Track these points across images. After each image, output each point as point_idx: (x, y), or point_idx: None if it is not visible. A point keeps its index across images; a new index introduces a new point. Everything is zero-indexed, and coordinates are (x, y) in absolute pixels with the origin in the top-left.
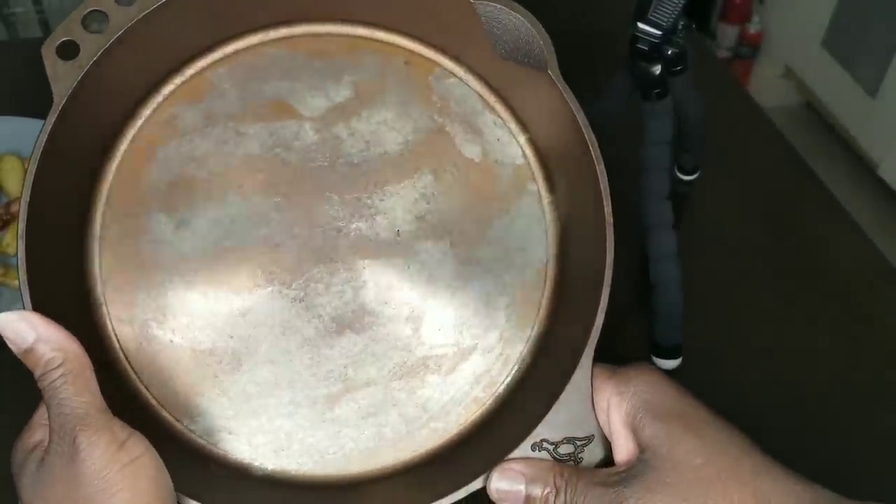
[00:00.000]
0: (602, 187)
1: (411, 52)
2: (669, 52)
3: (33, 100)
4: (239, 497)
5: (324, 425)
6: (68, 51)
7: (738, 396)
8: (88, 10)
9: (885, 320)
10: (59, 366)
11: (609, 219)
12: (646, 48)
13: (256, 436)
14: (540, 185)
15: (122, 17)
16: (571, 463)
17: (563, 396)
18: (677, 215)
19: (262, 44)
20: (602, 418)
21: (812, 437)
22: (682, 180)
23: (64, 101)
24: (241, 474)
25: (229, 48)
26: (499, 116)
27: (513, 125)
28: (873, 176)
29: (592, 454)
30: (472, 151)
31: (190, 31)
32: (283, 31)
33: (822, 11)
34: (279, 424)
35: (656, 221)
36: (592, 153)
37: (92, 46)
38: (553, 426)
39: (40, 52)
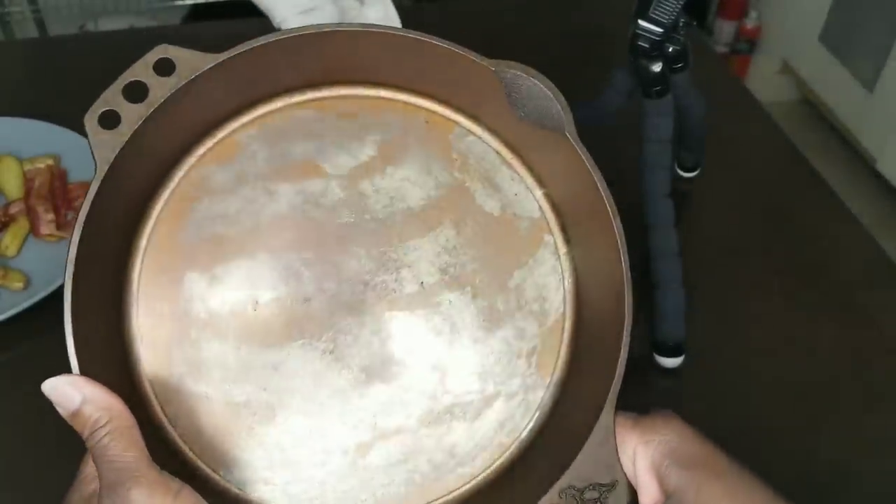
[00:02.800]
0: (619, 243)
1: (431, 111)
2: (670, 50)
3: (30, 100)
4: None
5: (356, 473)
6: (110, 120)
7: (739, 394)
8: (128, 80)
9: (885, 316)
10: (105, 424)
11: (627, 273)
12: (647, 45)
13: (291, 485)
14: (556, 237)
15: (161, 87)
16: None
17: (588, 442)
18: (678, 213)
19: (290, 106)
20: (627, 465)
21: (813, 434)
22: (682, 177)
23: (107, 169)
24: None
25: (258, 111)
26: (516, 172)
27: (529, 180)
28: (871, 170)
29: (617, 500)
30: (491, 206)
31: (222, 97)
32: (310, 94)
33: (820, 6)
34: (313, 473)
35: (657, 219)
36: (609, 210)
37: (132, 116)
38: (578, 472)
39: (37, 53)
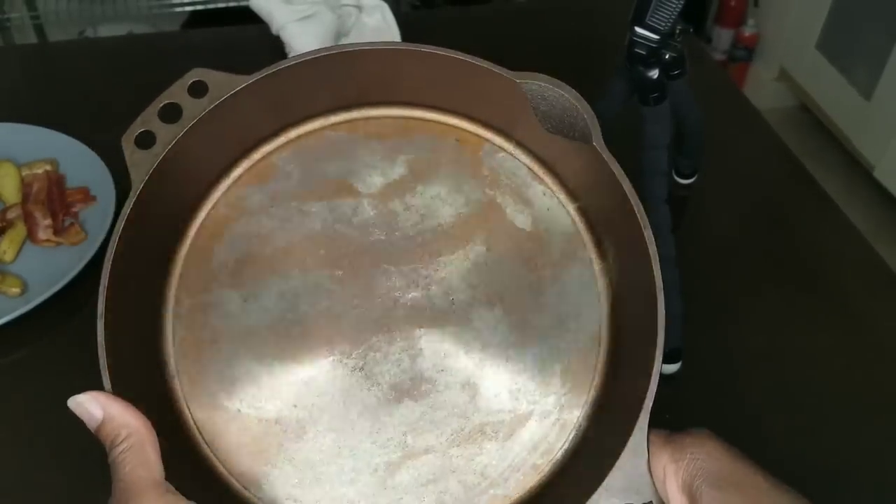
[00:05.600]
0: (651, 253)
1: (461, 129)
2: (667, 57)
3: (28, 106)
4: None
5: (385, 493)
6: (145, 140)
7: (737, 400)
8: (164, 102)
9: (882, 322)
10: (122, 442)
11: (659, 283)
12: (644, 52)
13: (320, 502)
14: (590, 251)
15: (194, 108)
16: None
17: (619, 461)
18: (675, 219)
19: (323, 128)
20: (659, 485)
21: (811, 440)
22: (680, 184)
23: (141, 187)
24: None
25: (293, 133)
26: (548, 187)
27: (562, 196)
28: (869, 178)
29: None
30: (522, 221)
31: (256, 119)
32: (343, 116)
33: (817, 14)
34: (343, 492)
35: (655, 226)
36: (639, 220)
37: (167, 136)
38: (611, 491)
39: (36, 58)
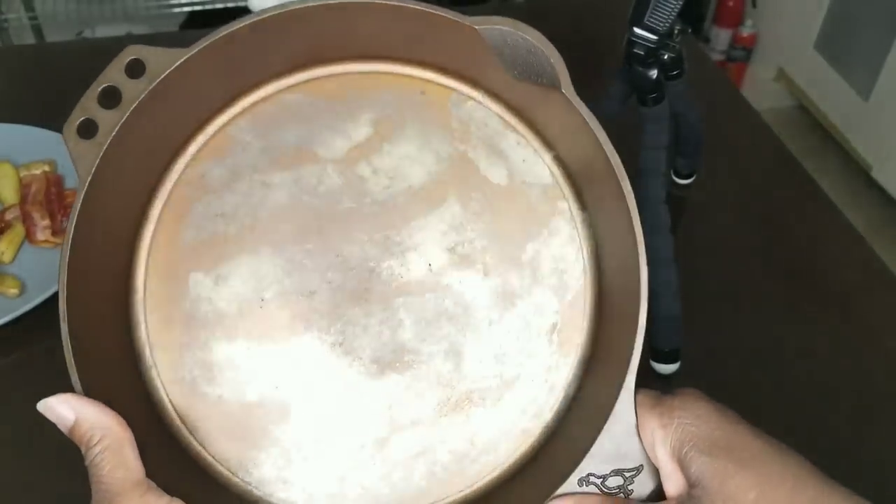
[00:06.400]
0: (630, 206)
1: (425, 80)
2: (666, 57)
3: (26, 106)
4: None
5: (374, 468)
6: (88, 130)
7: (735, 400)
8: (101, 87)
9: (882, 323)
10: (97, 443)
11: (640, 236)
12: (642, 53)
13: (310, 482)
14: (571, 203)
15: (134, 89)
16: (621, 495)
17: (606, 427)
18: (674, 219)
19: (278, 92)
20: (649, 450)
21: (810, 440)
22: (678, 184)
23: (89, 180)
24: None
25: (246, 101)
26: (522, 136)
27: (537, 144)
28: (866, 178)
29: (642, 485)
30: (497, 175)
31: (206, 90)
32: (298, 77)
33: (815, 14)
34: (332, 470)
35: (653, 226)
36: (615, 170)
37: (109, 123)
38: (600, 458)
39: (34, 59)
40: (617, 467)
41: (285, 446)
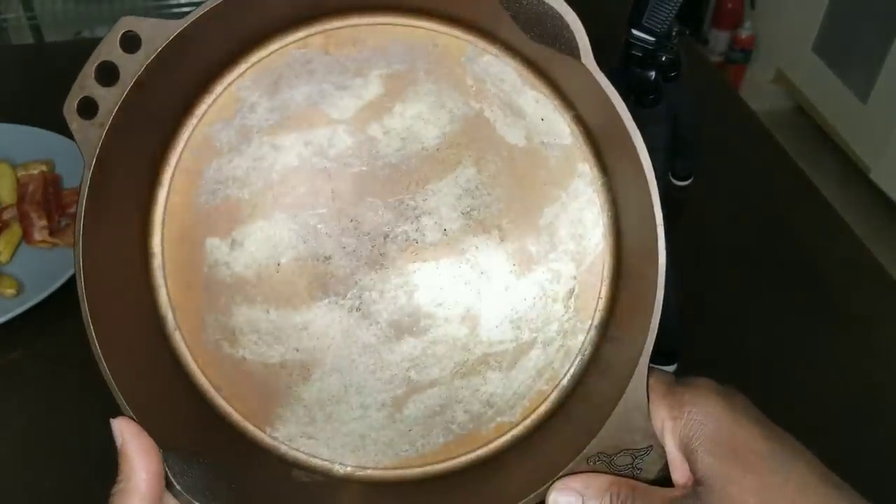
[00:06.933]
0: (645, 168)
1: (438, 32)
2: (664, 58)
3: (24, 106)
4: (323, 499)
5: (394, 426)
6: (88, 109)
7: None
8: (98, 62)
9: (878, 323)
10: (119, 481)
11: (658, 207)
12: (640, 54)
13: (334, 438)
14: (591, 165)
15: (132, 64)
16: (630, 474)
17: (618, 406)
18: (671, 221)
19: (284, 47)
20: (659, 436)
21: (808, 441)
22: (676, 186)
23: (95, 160)
24: (323, 475)
25: (251, 58)
26: (541, 93)
27: (556, 102)
28: (865, 179)
29: (652, 464)
30: (515, 136)
31: (206, 55)
32: (303, 31)
33: (813, 16)
34: (353, 427)
35: None
36: (633, 138)
37: (110, 101)
38: (609, 437)
39: (32, 59)
40: (626, 447)
41: (308, 405)
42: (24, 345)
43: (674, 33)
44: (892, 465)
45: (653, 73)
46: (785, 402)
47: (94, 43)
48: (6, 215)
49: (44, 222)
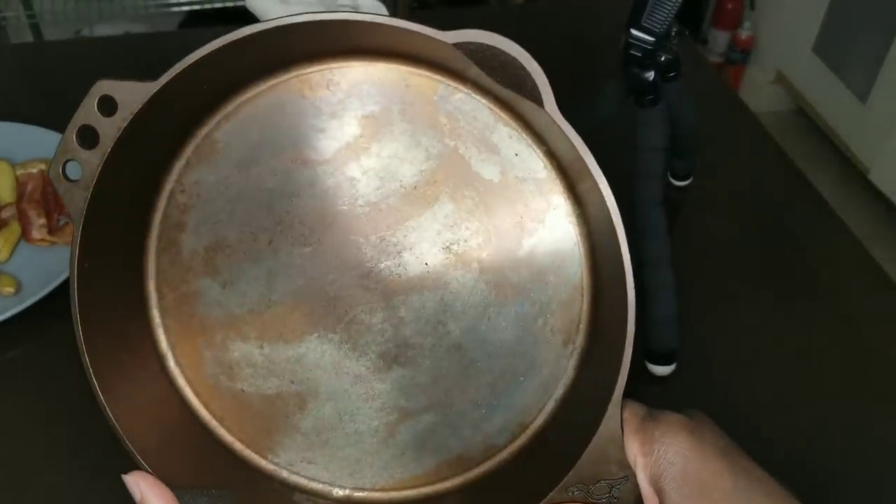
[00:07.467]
0: (609, 205)
1: (411, 73)
2: (662, 59)
3: (24, 105)
4: None
5: (387, 450)
6: (73, 169)
7: (731, 402)
8: (77, 126)
9: (876, 325)
10: None
11: (622, 236)
12: (639, 54)
13: (332, 462)
14: (565, 197)
15: (110, 127)
16: (607, 503)
17: (593, 441)
18: (670, 221)
19: (260, 93)
20: (632, 468)
21: (807, 442)
22: (674, 186)
23: (83, 219)
24: (323, 498)
25: (230, 105)
26: (513, 129)
27: (529, 137)
28: (864, 180)
29: (628, 493)
30: (490, 171)
31: (184, 110)
32: (280, 77)
33: (813, 17)
34: (349, 452)
35: (649, 227)
36: (597, 180)
37: (92, 163)
38: (586, 471)
39: (32, 57)
40: (604, 477)
41: (305, 432)
42: (23, 343)
43: (673, 33)
44: (891, 465)
45: (651, 74)
46: (783, 401)
47: (94, 42)
48: (5, 214)
49: (43, 221)
